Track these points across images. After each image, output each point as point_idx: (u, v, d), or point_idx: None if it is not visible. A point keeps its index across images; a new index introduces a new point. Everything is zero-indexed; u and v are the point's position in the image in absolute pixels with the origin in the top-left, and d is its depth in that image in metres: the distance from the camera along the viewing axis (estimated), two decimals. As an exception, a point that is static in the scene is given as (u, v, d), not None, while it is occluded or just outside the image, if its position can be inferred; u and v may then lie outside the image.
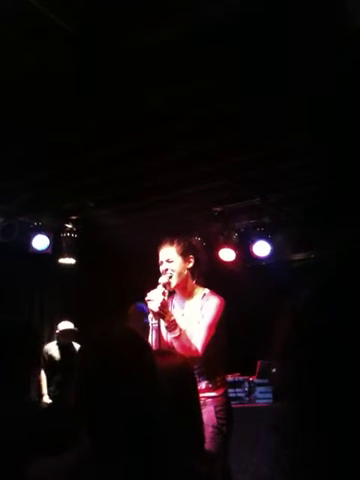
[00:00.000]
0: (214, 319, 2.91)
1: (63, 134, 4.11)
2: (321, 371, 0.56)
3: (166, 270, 2.94)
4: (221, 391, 3.07)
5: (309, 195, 5.48)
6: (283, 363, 0.62)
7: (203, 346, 2.83)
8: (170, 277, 2.92)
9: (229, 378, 5.34)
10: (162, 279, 2.90)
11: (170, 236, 3.03)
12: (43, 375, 6.31)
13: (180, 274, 2.96)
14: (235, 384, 5.19)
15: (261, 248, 5.97)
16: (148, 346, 1.43)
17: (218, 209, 5.89)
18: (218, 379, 3.07)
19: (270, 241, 5.93)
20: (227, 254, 6.15)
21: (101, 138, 4.23)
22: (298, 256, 6.34)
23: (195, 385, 1.85)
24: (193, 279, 3.02)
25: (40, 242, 5.79)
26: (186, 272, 2.98)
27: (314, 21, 2.90)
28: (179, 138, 4.23)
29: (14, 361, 1.87)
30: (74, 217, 5.98)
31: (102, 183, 5.11)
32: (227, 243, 6.12)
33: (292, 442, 0.58)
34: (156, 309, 2.77)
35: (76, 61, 3.10)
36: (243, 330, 5.93)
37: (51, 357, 6.24)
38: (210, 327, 2.88)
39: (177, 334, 2.79)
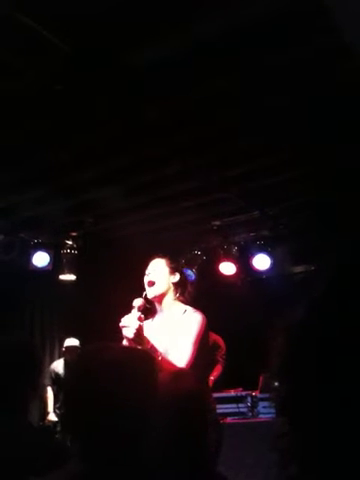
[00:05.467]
0: (198, 335, 2.72)
1: (62, 151, 4.14)
2: (320, 388, 0.56)
3: (150, 282, 2.81)
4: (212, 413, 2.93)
5: (308, 206, 5.49)
6: (281, 381, 0.62)
7: (188, 363, 2.61)
8: (153, 284, 2.80)
9: (232, 393, 5.31)
10: (136, 302, 2.69)
11: (162, 252, 2.97)
12: (50, 392, 6.25)
13: (163, 284, 2.83)
14: (238, 399, 5.16)
15: (261, 261, 5.97)
16: (154, 368, 1.39)
17: (217, 223, 5.90)
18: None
19: (270, 254, 5.94)
20: (227, 268, 6.16)
21: (99, 154, 4.26)
22: (298, 269, 6.33)
23: (205, 409, 1.81)
24: (175, 294, 2.87)
25: (40, 259, 5.80)
26: (169, 285, 2.85)
27: (313, 36, 2.93)
28: (176, 152, 4.26)
29: (12, 383, 1.86)
30: (74, 233, 5.98)
31: (101, 198, 5.12)
32: (227, 257, 6.13)
33: (291, 460, 0.58)
34: (131, 336, 2.52)
35: (74, 79, 3.14)
36: (245, 344, 5.90)
37: (57, 374, 6.19)
38: (195, 343, 2.68)
39: (159, 359, 2.51)
